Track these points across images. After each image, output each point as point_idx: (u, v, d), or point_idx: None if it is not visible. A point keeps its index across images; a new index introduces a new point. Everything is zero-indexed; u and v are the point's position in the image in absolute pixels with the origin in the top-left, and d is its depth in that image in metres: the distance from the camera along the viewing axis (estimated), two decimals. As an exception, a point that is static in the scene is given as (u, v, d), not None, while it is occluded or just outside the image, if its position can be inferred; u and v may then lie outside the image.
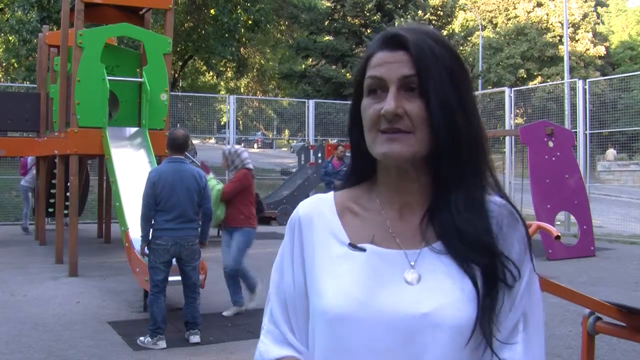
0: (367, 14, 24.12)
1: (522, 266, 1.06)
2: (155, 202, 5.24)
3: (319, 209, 1.15)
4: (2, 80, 24.69)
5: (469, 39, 30.17)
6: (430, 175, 1.09)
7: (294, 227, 1.16)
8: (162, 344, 5.21)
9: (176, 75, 25.32)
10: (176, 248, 5.24)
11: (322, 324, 1.06)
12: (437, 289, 1.02)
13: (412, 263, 1.05)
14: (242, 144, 32.33)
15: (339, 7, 24.73)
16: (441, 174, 1.07)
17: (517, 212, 1.10)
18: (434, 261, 1.04)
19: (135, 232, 6.43)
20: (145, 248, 5.33)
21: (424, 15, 24.17)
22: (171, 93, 10.36)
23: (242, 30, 24.35)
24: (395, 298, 1.02)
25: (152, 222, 5.29)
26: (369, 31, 23.91)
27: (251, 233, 6.31)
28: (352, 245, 1.08)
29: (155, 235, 5.27)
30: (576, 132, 13.03)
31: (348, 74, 23.77)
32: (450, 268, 1.03)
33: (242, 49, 27.04)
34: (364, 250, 1.07)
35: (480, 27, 36.36)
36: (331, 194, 1.19)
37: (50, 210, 11.34)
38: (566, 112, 14.89)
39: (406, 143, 1.03)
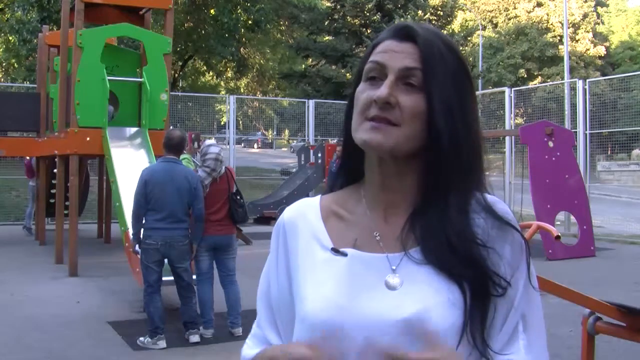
0: (367, 14, 24.10)
1: (517, 270, 1.02)
2: (146, 200, 5.25)
3: (304, 214, 1.13)
4: (2, 80, 24.69)
5: (469, 39, 30.16)
6: (416, 176, 1.06)
7: (279, 232, 1.14)
8: (162, 343, 5.21)
9: (176, 75, 25.31)
10: (165, 248, 5.24)
11: (304, 330, 1.03)
12: (419, 294, 0.98)
13: (394, 267, 1.02)
14: (242, 144, 32.42)
15: (339, 7, 24.71)
16: (430, 176, 1.04)
17: (508, 216, 1.05)
18: (416, 267, 1.01)
19: (135, 232, 6.44)
20: (137, 247, 5.36)
21: (424, 15, 24.15)
22: (171, 93, 10.36)
23: (242, 30, 24.32)
24: (375, 303, 0.99)
25: (143, 221, 5.31)
26: (369, 31, 23.90)
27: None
28: (335, 250, 1.06)
29: (145, 234, 5.28)
30: (576, 132, 13.03)
31: (348, 74, 23.77)
32: (432, 273, 1.00)
33: (242, 49, 27.01)
34: (345, 255, 1.05)
35: (480, 27, 36.37)
36: (318, 197, 1.17)
37: (50, 210, 11.35)
38: (566, 112, 14.88)
39: (389, 135, 1.00)
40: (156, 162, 5.66)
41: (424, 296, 0.98)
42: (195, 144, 7.65)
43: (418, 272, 1.01)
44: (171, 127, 8.63)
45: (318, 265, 1.06)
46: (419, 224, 1.04)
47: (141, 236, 5.34)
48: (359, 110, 1.04)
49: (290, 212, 1.15)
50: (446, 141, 1.01)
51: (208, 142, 6.13)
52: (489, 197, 1.07)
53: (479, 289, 0.99)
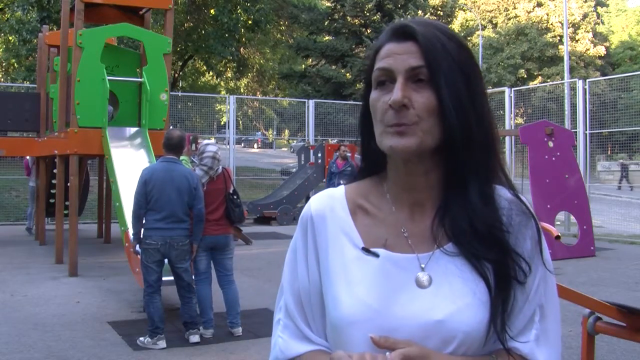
0: (367, 14, 24.12)
1: (534, 261, 1.05)
2: (146, 200, 5.26)
3: (331, 206, 1.14)
4: (2, 80, 24.69)
5: (469, 39, 30.17)
6: (440, 173, 1.08)
7: (307, 224, 1.15)
8: (162, 343, 5.21)
9: (176, 75, 25.31)
10: (165, 248, 5.25)
11: (337, 331, 1.06)
12: (449, 294, 1.01)
13: (423, 265, 1.04)
14: (242, 144, 32.42)
15: (339, 7, 24.74)
16: (450, 170, 1.07)
17: (527, 207, 1.09)
18: (446, 263, 1.04)
19: (135, 232, 6.44)
20: (137, 247, 5.36)
21: (424, 15, 24.17)
22: (171, 93, 10.36)
23: (242, 30, 24.33)
24: (408, 305, 1.02)
25: (143, 220, 5.32)
26: (369, 31, 23.92)
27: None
28: (366, 250, 1.08)
29: (145, 235, 5.28)
30: (576, 132, 13.02)
31: (348, 74, 23.79)
32: (462, 270, 1.03)
33: (242, 49, 27.02)
34: (377, 255, 1.06)
35: (480, 27, 36.37)
36: (342, 188, 1.17)
37: (50, 210, 11.35)
38: (566, 112, 14.89)
39: (412, 135, 1.02)
40: (156, 162, 5.65)
41: (455, 297, 1.01)
42: (193, 146, 7.66)
43: (449, 267, 1.04)
44: (171, 127, 8.64)
45: (349, 264, 1.08)
46: (447, 218, 1.06)
47: (141, 236, 5.35)
48: (378, 118, 1.06)
49: (317, 205, 1.16)
50: (458, 131, 1.03)
51: (206, 141, 6.15)
52: (510, 191, 1.10)
53: (504, 274, 1.02)
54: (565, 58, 23.40)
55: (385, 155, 1.11)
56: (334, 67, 25.05)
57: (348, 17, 24.64)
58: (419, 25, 1.06)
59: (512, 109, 15.81)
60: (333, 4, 25.20)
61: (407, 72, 1.03)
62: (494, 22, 46.31)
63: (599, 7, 51.03)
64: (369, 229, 1.10)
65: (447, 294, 1.02)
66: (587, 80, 14.48)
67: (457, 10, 30.95)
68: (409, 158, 1.05)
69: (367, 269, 1.06)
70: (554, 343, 1.07)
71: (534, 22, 42.95)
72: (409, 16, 23.41)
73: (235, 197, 5.70)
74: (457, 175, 1.06)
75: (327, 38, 26.65)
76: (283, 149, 35.66)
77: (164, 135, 5.68)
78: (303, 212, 1.17)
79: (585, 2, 44.65)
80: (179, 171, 5.38)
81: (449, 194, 1.07)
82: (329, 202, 1.15)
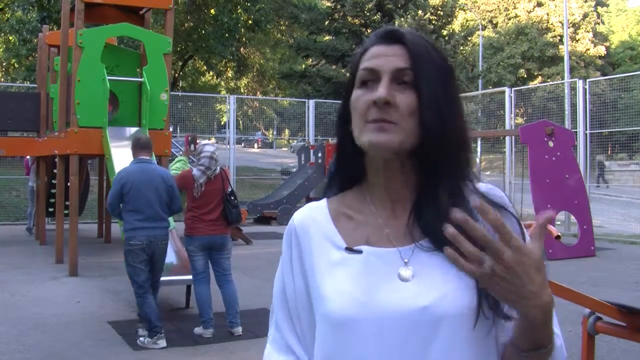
0: (367, 14, 24.10)
1: None
2: (123, 201, 5.32)
3: (313, 217, 1.17)
4: (2, 80, 24.69)
5: (469, 38, 30.14)
6: (418, 172, 1.11)
7: (291, 236, 1.18)
8: (162, 343, 5.21)
9: (176, 75, 25.31)
10: (150, 247, 5.29)
11: (326, 329, 1.07)
12: (433, 282, 1.03)
13: (406, 260, 1.06)
14: (242, 144, 32.41)
15: (339, 7, 24.72)
16: (426, 170, 1.09)
17: (502, 199, 1.10)
18: (427, 258, 1.05)
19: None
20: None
21: (424, 15, 24.11)
22: (171, 93, 10.35)
23: (242, 30, 24.34)
24: (393, 295, 1.03)
25: (122, 217, 5.40)
26: (369, 31, 23.87)
27: (184, 241, 5.73)
28: (349, 249, 1.10)
29: (129, 236, 5.30)
30: (576, 132, 13.02)
31: (348, 74, 23.75)
32: (442, 265, 1.03)
33: (242, 49, 27.03)
34: (360, 252, 1.08)
35: (480, 27, 36.35)
36: (324, 201, 1.20)
37: (51, 210, 11.35)
38: (566, 112, 14.90)
39: (393, 133, 1.04)
40: (130, 163, 5.64)
41: (439, 284, 1.02)
42: (192, 147, 7.68)
43: (429, 261, 1.05)
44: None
45: (334, 265, 1.10)
46: (423, 215, 1.08)
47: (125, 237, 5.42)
48: (358, 114, 1.08)
49: (300, 216, 1.19)
50: (434, 132, 1.06)
51: (204, 142, 6.18)
52: (484, 184, 1.13)
53: None
54: (566, 58, 23.42)
55: (362, 160, 1.13)
56: (334, 67, 25.03)
57: (348, 17, 24.62)
58: (406, 31, 1.11)
59: (512, 109, 15.80)
60: (333, 4, 25.18)
61: (393, 73, 1.06)
62: (494, 22, 46.32)
63: (599, 7, 51.04)
64: (351, 231, 1.13)
65: (431, 283, 1.03)
66: (587, 80, 14.49)
67: (457, 10, 30.85)
68: (389, 157, 1.07)
69: (351, 266, 1.08)
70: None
71: (534, 22, 42.98)
72: (409, 16, 23.38)
73: (232, 197, 5.70)
74: (430, 175, 1.09)
75: (327, 38, 26.63)
76: (283, 148, 35.63)
77: (132, 139, 5.77)
78: (287, 226, 1.20)
79: (586, 2, 44.68)
80: (155, 172, 5.47)
81: (422, 193, 1.10)
82: (312, 214, 1.18)
